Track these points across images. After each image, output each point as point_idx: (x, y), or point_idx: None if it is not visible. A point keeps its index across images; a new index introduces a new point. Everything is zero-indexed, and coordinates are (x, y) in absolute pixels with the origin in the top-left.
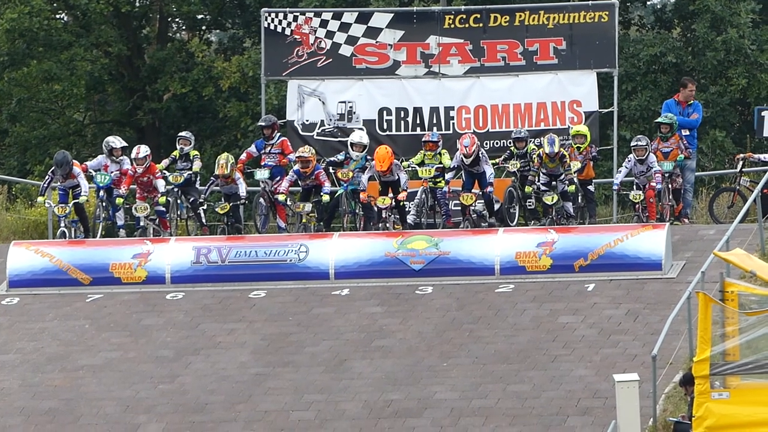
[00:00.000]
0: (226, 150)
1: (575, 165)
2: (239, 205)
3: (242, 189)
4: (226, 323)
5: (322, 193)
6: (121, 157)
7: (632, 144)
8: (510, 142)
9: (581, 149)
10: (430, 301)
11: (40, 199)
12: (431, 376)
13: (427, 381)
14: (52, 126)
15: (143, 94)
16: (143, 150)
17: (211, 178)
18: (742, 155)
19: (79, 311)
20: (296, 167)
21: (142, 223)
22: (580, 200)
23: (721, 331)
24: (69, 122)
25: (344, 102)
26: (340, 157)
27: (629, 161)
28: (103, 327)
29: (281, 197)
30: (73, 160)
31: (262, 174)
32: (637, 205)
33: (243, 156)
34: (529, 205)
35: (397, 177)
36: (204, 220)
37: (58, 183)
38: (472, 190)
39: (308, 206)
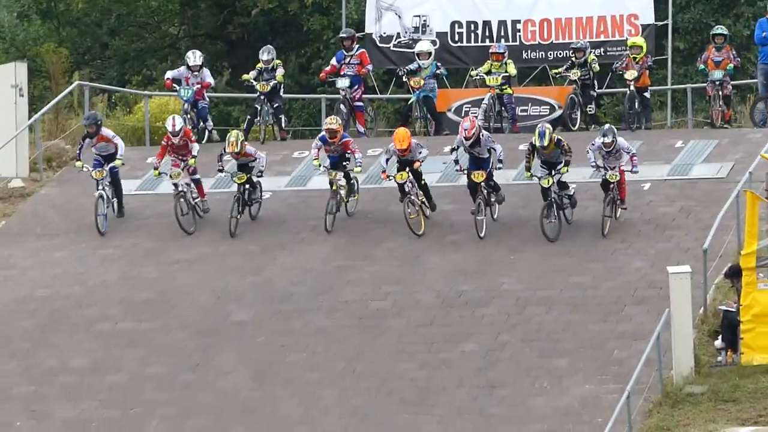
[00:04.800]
0: (311, 60)
1: (632, 74)
2: (254, 178)
3: (262, 162)
4: (310, 220)
5: (356, 165)
6: (201, 70)
7: (599, 141)
8: (571, 52)
9: (638, 59)
10: None
11: (77, 163)
12: (499, 269)
13: (494, 273)
14: (148, 39)
15: (233, 9)
16: (178, 122)
17: (222, 150)
18: None
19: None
20: (323, 134)
21: (180, 188)
22: (636, 106)
23: (766, 227)
24: (164, 36)
25: (418, 16)
26: (413, 66)
27: (594, 145)
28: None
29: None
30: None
31: (342, 83)
32: (611, 185)
33: (327, 67)
34: (590, 111)
35: (416, 154)
36: (284, 124)
37: (93, 147)
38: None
39: (340, 175)
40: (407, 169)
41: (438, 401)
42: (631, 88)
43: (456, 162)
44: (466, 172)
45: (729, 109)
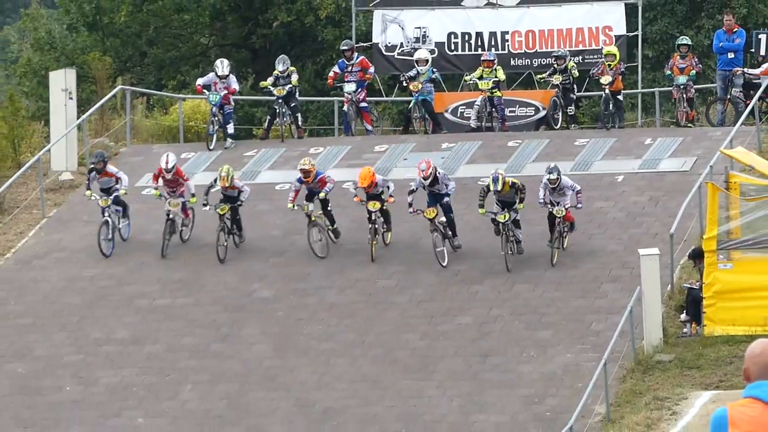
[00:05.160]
0: (325, 67)
1: (606, 79)
2: (237, 207)
3: (244, 194)
4: None
5: (323, 192)
6: (228, 77)
7: (546, 177)
8: (553, 60)
9: (612, 66)
10: None
11: (87, 192)
12: (491, 251)
13: (487, 255)
14: (182, 48)
15: (256, 22)
16: (171, 159)
17: (211, 182)
18: (738, 70)
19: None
20: (299, 176)
21: (171, 216)
22: (611, 107)
23: (725, 214)
24: (196, 45)
25: (419, 27)
26: (412, 73)
27: (543, 182)
28: None
29: (364, 104)
30: (108, 163)
31: (349, 87)
32: (557, 220)
33: (331, 74)
34: (570, 112)
35: (381, 191)
36: (300, 123)
37: (97, 180)
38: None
39: (311, 206)
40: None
41: (437, 368)
42: (606, 91)
43: (410, 204)
44: (419, 212)
45: (692, 110)
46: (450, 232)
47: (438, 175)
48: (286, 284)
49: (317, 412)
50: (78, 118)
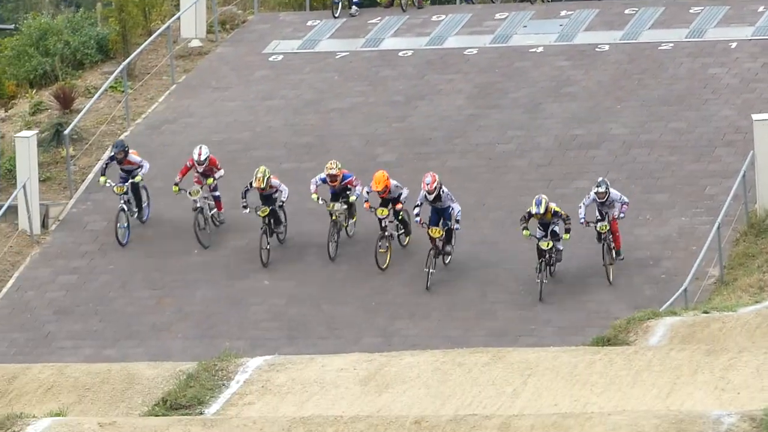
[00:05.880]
0: None
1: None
2: (277, 208)
3: (284, 195)
4: (446, 74)
5: (352, 195)
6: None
7: (594, 190)
8: None
9: None
10: (607, 57)
11: (101, 179)
12: (608, 116)
13: (604, 119)
14: None
15: None
16: (204, 152)
17: (247, 185)
18: None
19: (330, 66)
20: (323, 176)
21: (198, 204)
22: None
23: None
24: None
25: None
26: None
27: (589, 198)
28: (348, 78)
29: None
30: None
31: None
32: (603, 235)
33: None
34: None
35: (396, 195)
36: None
37: (120, 167)
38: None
39: (339, 205)
40: (389, 206)
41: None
42: None
43: (417, 215)
44: (425, 226)
45: None
46: (448, 248)
47: (442, 193)
48: (408, 148)
49: (439, 272)
50: None
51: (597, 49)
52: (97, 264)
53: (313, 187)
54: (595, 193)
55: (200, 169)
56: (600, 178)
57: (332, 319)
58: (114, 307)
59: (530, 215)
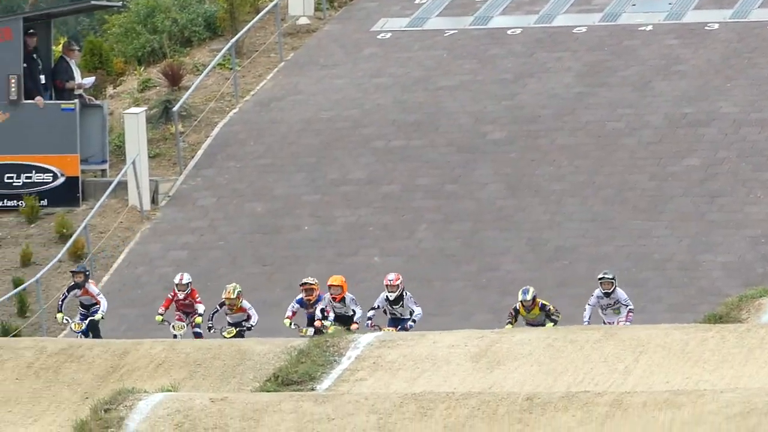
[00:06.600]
0: None
1: None
2: (245, 331)
3: (254, 319)
4: (555, 53)
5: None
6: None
7: (598, 277)
8: None
9: None
10: (716, 35)
11: (58, 315)
12: (717, 94)
13: (714, 98)
14: None
15: None
16: (186, 277)
17: (217, 306)
18: None
19: (438, 44)
20: (300, 297)
21: (179, 339)
22: None
23: None
24: None
25: None
26: None
27: (593, 297)
28: (457, 56)
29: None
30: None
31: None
32: None
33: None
34: None
35: (351, 312)
36: None
37: (78, 297)
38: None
39: (311, 330)
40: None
41: (666, 208)
42: None
43: (369, 319)
44: (376, 327)
45: None
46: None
47: (404, 295)
48: (517, 126)
49: (549, 250)
50: None
51: (706, 28)
52: (207, 240)
53: (289, 313)
54: (600, 281)
55: (181, 295)
56: (605, 271)
57: (442, 296)
58: (222, 284)
59: (517, 311)
